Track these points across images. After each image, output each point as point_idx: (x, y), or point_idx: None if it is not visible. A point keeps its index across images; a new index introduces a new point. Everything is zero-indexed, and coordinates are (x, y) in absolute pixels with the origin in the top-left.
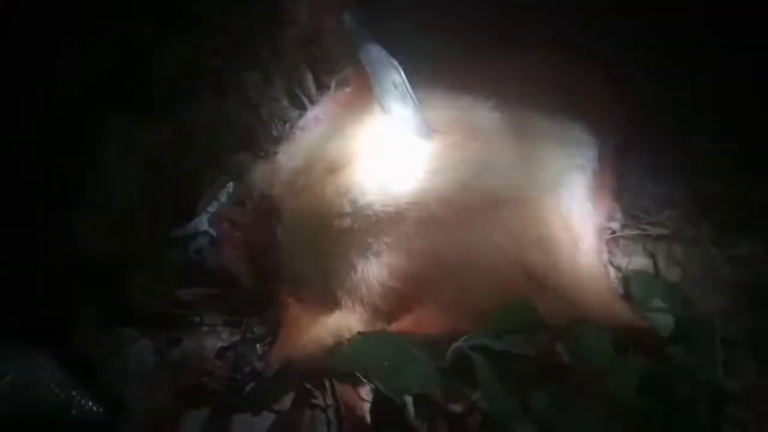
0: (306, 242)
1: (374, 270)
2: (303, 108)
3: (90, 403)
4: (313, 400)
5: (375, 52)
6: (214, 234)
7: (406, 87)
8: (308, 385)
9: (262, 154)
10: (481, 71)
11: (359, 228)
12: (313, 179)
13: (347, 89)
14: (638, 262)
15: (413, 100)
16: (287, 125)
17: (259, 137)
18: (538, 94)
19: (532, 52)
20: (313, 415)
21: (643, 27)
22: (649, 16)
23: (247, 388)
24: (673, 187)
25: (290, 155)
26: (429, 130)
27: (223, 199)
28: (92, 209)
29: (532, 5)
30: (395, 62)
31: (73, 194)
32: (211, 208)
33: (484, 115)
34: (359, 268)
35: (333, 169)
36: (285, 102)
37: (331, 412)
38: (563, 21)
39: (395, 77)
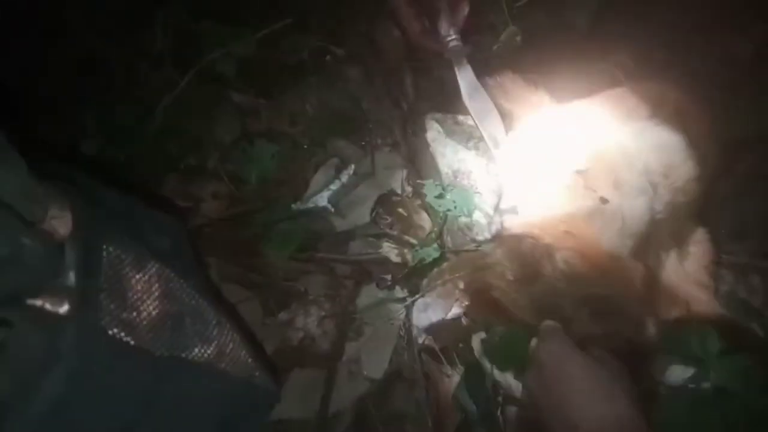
0: None
1: None
2: (401, 108)
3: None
4: (405, 374)
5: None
6: (332, 209)
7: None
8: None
9: (363, 143)
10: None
11: None
12: None
13: None
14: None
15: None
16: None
17: (361, 128)
18: None
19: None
20: (403, 387)
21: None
22: None
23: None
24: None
25: None
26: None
27: (344, 179)
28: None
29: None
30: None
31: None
32: (333, 186)
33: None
34: None
35: None
36: (385, 101)
37: (418, 387)
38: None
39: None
